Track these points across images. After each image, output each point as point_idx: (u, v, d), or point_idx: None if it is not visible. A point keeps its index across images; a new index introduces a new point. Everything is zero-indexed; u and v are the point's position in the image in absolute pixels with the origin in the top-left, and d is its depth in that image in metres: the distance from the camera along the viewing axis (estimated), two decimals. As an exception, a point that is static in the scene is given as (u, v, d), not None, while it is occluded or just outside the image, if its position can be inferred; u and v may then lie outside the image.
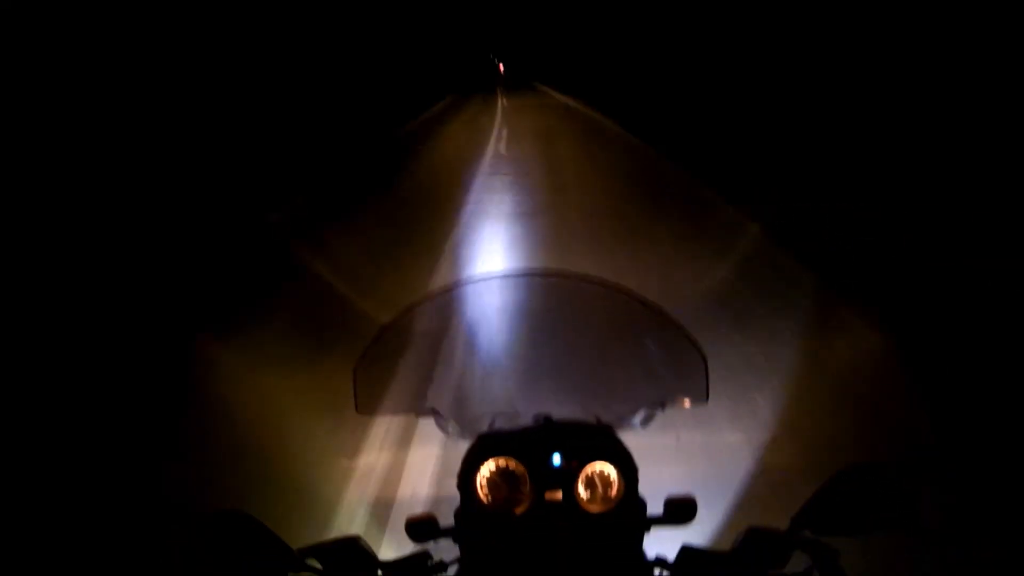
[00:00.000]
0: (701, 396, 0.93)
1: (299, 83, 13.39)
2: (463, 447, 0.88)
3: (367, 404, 0.94)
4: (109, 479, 2.30)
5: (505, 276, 1.03)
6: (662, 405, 0.93)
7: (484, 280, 1.03)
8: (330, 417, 2.56)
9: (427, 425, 1.02)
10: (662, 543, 0.81)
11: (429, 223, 5.50)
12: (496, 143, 10.57)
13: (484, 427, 0.94)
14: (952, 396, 2.46)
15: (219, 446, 2.42)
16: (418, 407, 0.96)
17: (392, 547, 0.87)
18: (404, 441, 2.29)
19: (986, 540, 1.71)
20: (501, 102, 22.17)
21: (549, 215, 5.33)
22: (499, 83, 42.82)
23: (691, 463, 2.09)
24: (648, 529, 0.81)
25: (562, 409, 0.94)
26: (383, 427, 2.43)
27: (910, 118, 6.78)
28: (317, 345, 3.27)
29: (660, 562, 0.78)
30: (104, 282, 4.48)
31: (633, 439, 0.88)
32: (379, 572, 0.74)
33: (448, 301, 1.01)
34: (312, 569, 0.69)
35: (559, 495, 0.81)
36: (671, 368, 0.97)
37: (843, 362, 2.76)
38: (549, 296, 1.05)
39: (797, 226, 4.63)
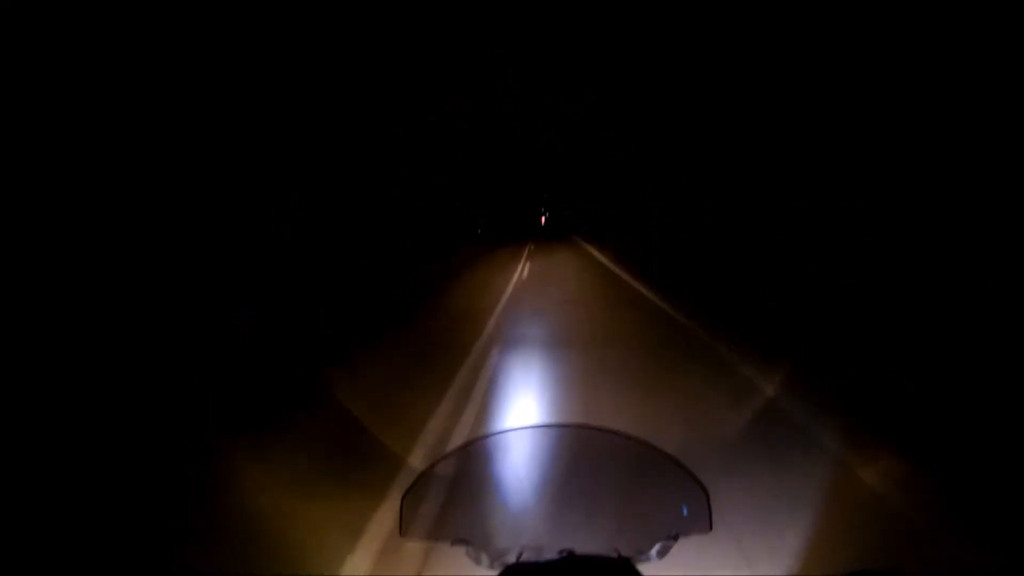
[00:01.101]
0: (705, 527, 1.03)
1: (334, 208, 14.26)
2: None
3: (409, 529, 1.06)
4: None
5: (535, 427, 1.18)
6: (674, 537, 1.03)
7: (517, 430, 1.18)
8: (351, 544, 2.59)
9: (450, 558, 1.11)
10: None
11: (452, 361, 5.68)
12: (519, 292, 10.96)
13: (512, 559, 1.04)
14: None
15: (240, 562, 2.43)
16: (453, 536, 1.07)
17: None
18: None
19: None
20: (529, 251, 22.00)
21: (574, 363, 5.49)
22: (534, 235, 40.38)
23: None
24: None
25: (584, 544, 1.04)
26: (405, 555, 2.43)
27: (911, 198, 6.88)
28: (340, 472, 3.33)
29: None
30: (133, 385, 4.68)
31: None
32: None
33: (485, 447, 1.16)
34: None
35: None
36: (679, 504, 1.08)
37: (872, 489, 2.76)
38: (572, 445, 1.20)
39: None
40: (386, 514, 2.80)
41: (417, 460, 3.42)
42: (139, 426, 3.86)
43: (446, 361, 5.54)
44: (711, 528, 1.02)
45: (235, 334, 6.67)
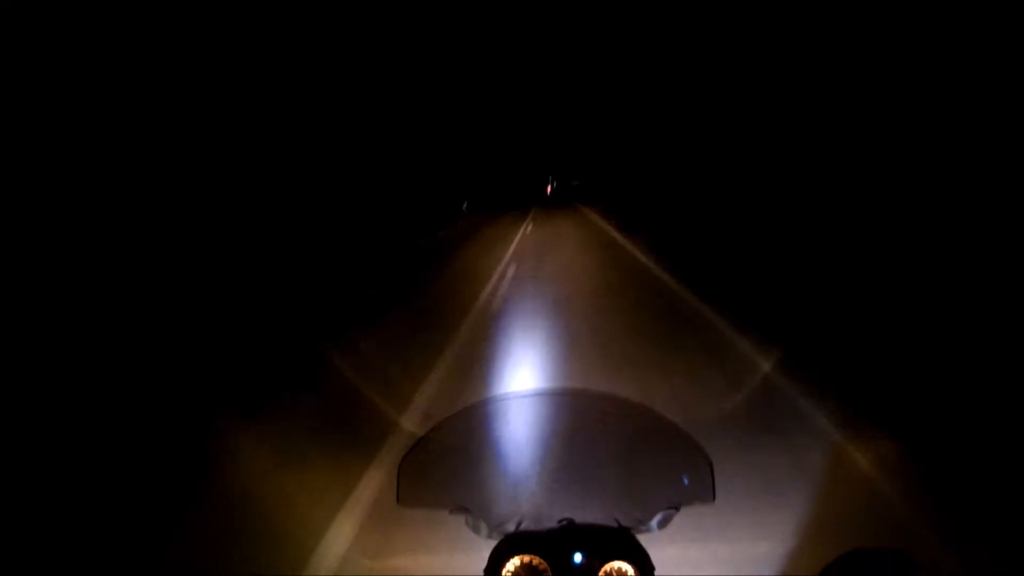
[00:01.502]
0: (708, 497, 1.02)
1: (338, 184, 14.19)
2: (485, 551, 0.97)
3: (408, 497, 1.04)
4: (123, 564, 2.33)
5: (535, 393, 1.16)
6: (676, 508, 1.02)
7: (516, 396, 1.16)
8: (352, 515, 2.63)
9: (448, 530, 1.10)
10: None
11: (450, 331, 5.70)
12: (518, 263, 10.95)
13: (511, 528, 1.03)
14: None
15: (237, 537, 2.45)
16: (452, 505, 1.06)
17: None
18: (424, 544, 2.29)
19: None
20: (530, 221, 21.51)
21: (573, 332, 5.51)
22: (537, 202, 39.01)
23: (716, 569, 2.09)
24: None
25: (584, 513, 1.03)
26: (404, 527, 2.45)
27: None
28: (337, 443, 3.36)
29: None
30: (133, 366, 4.70)
31: (656, 550, 0.97)
32: None
33: (484, 413, 1.14)
34: None
35: None
36: (682, 474, 1.07)
37: (862, 471, 2.78)
38: (573, 411, 1.18)
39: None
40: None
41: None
42: (132, 414, 3.85)
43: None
44: (714, 499, 1.01)
45: (229, 318, 6.65)
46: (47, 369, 4.51)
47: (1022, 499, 2.39)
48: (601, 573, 0.90)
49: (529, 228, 18.11)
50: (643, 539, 0.98)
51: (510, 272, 9.24)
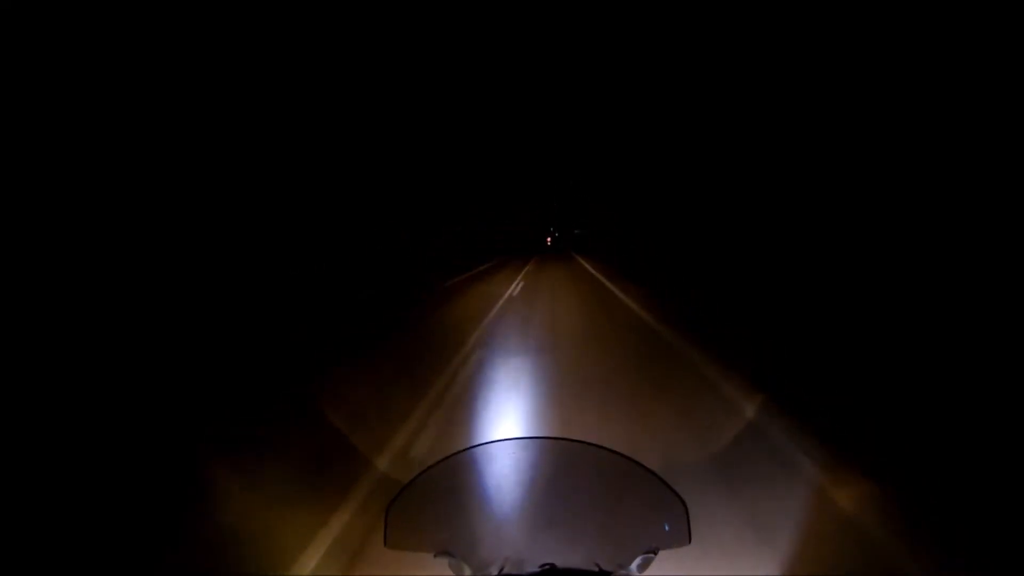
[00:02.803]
0: (684, 539, 1.05)
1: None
2: None
3: (394, 540, 1.06)
4: None
5: (518, 440, 1.19)
6: (655, 551, 1.04)
7: (500, 442, 1.19)
8: (338, 557, 2.60)
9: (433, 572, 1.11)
10: None
11: (434, 376, 5.70)
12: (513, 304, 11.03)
13: (494, 572, 1.05)
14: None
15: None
16: (437, 548, 1.07)
17: None
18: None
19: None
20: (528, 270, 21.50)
21: (557, 377, 5.54)
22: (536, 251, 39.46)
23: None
24: None
25: (566, 557, 1.06)
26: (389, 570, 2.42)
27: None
28: (320, 486, 3.32)
29: None
30: (123, 378, 4.62)
31: None
32: None
33: (469, 459, 1.16)
34: None
35: None
36: (659, 517, 1.10)
37: (845, 512, 2.81)
38: (554, 458, 1.22)
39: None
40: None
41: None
42: (125, 430, 3.80)
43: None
44: (690, 541, 1.04)
45: (226, 339, 6.59)
46: (40, 383, 4.43)
47: (1005, 535, 2.43)
48: None
49: (522, 283, 18.21)
50: None
51: (498, 317, 9.27)
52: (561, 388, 5.02)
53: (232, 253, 9.63)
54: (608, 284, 13.97)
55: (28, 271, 5.71)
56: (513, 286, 14.37)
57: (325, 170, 13.61)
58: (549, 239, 57.32)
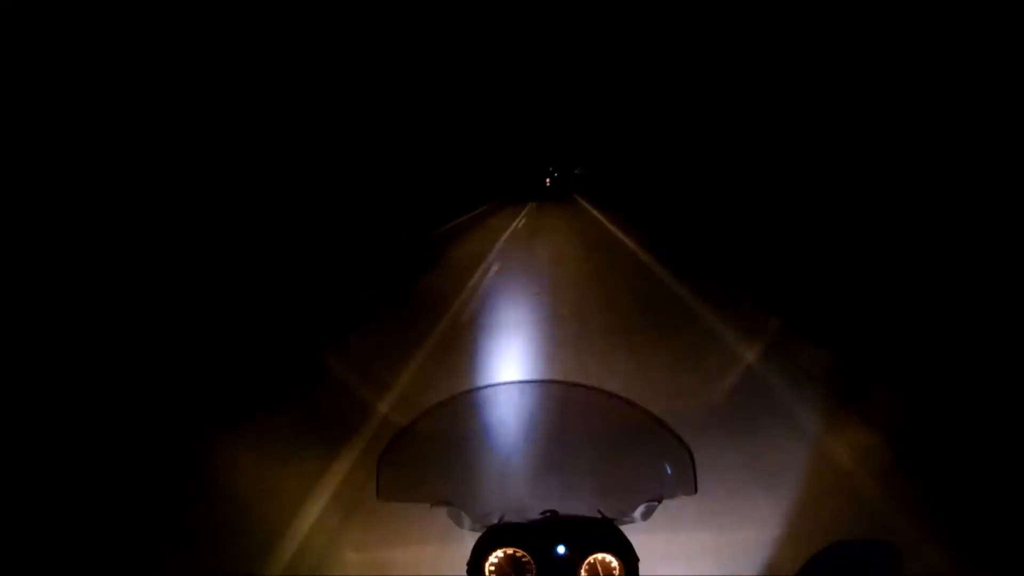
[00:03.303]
0: (690, 489, 1.01)
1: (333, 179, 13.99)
2: (469, 543, 0.96)
3: (387, 491, 1.03)
4: (119, 560, 2.31)
5: (517, 383, 1.14)
6: (659, 499, 1.01)
7: (498, 386, 1.14)
8: (339, 508, 2.62)
9: (432, 522, 1.09)
10: None
11: (434, 320, 5.69)
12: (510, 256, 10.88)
13: (495, 520, 1.02)
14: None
15: (229, 531, 2.43)
16: (433, 498, 1.04)
17: None
18: (410, 535, 2.28)
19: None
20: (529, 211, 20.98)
21: (562, 323, 5.53)
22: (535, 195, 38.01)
23: (697, 560, 2.10)
24: None
25: (567, 505, 1.02)
26: (390, 519, 2.44)
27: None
28: (327, 438, 3.33)
29: None
30: (125, 368, 4.62)
31: (638, 537, 0.96)
32: None
33: (465, 404, 1.11)
34: None
35: None
36: (664, 465, 1.06)
37: (843, 463, 2.81)
38: (555, 403, 1.16)
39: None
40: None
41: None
42: (127, 418, 3.78)
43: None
44: (696, 490, 1.01)
45: (229, 320, 6.55)
46: (42, 373, 4.41)
47: (1003, 491, 2.43)
48: (585, 565, 0.89)
49: (522, 221, 18.03)
50: (626, 529, 0.98)
51: (497, 263, 9.19)
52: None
53: (230, 236, 9.56)
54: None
55: (30, 262, 5.65)
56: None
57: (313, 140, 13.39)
58: (548, 180, 54.66)
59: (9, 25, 6.16)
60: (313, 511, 2.62)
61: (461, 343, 5.06)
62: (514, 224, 17.39)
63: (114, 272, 6.68)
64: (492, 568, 0.91)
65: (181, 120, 8.75)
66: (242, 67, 10.13)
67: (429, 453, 1.09)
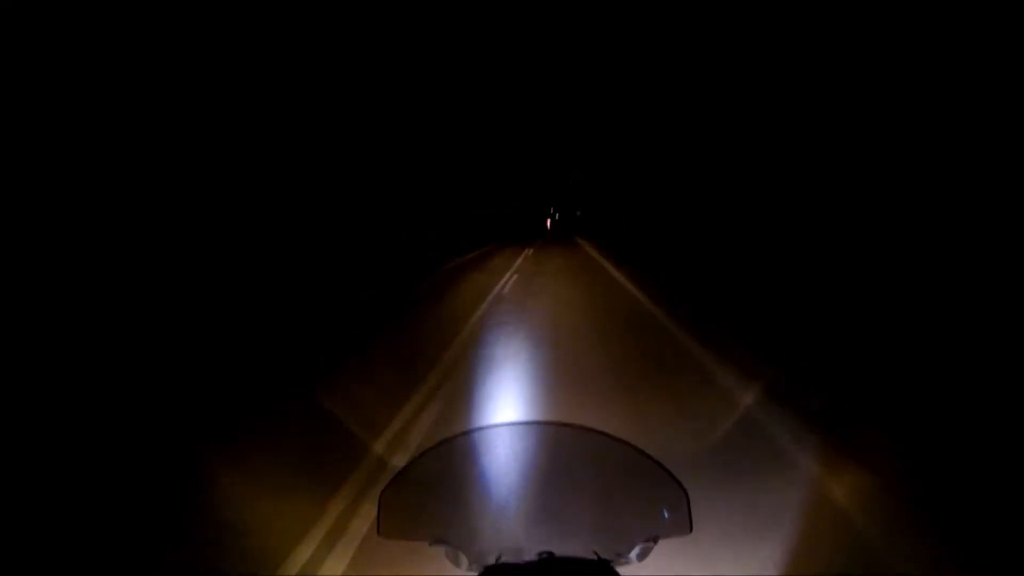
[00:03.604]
0: (685, 529, 1.02)
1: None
2: None
3: (388, 529, 1.04)
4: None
5: (516, 424, 1.17)
6: (655, 540, 1.02)
7: (497, 428, 1.16)
8: (333, 546, 2.59)
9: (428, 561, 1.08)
10: None
11: (433, 359, 5.68)
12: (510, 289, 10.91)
13: (491, 561, 1.03)
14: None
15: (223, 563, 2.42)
16: (432, 537, 1.05)
17: None
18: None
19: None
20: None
21: (559, 360, 5.53)
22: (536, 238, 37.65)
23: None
24: None
25: (564, 546, 1.03)
26: (384, 555, 2.40)
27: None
28: (317, 473, 3.31)
29: None
30: (123, 380, 4.60)
31: None
32: None
33: (465, 444, 1.13)
34: None
35: None
36: (659, 506, 1.07)
37: (841, 506, 2.79)
38: (552, 444, 1.19)
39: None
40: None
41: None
42: (123, 427, 3.78)
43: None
44: (691, 530, 1.02)
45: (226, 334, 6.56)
46: (41, 384, 4.41)
47: (1001, 531, 2.42)
48: None
49: (528, 257, 18.03)
50: (623, 571, 0.98)
51: (497, 304, 9.21)
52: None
53: (230, 240, 9.61)
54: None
55: (29, 267, 5.68)
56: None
57: (318, 153, 13.54)
58: (549, 221, 54.30)
59: (9, 25, 6.25)
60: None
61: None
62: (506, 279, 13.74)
63: (113, 274, 6.68)
64: None
65: (182, 120, 8.82)
66: (244, 73, 10.26)
67: (429, 492, 1.10)
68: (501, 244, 29.91)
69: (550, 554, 1.02)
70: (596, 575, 0.96)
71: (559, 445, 1.17)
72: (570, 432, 1.14)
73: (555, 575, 0.95)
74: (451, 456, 1.12)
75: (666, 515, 1.05)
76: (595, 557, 1.00)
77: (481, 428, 1.13)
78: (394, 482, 1.05)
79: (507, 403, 4.43)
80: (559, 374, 5.13)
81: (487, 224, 35.66)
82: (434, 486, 1.11)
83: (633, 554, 1.02)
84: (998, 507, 2.66)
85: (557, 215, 56.89)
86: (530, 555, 1.02)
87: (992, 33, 6.12)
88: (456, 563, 1.04)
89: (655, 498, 1.07)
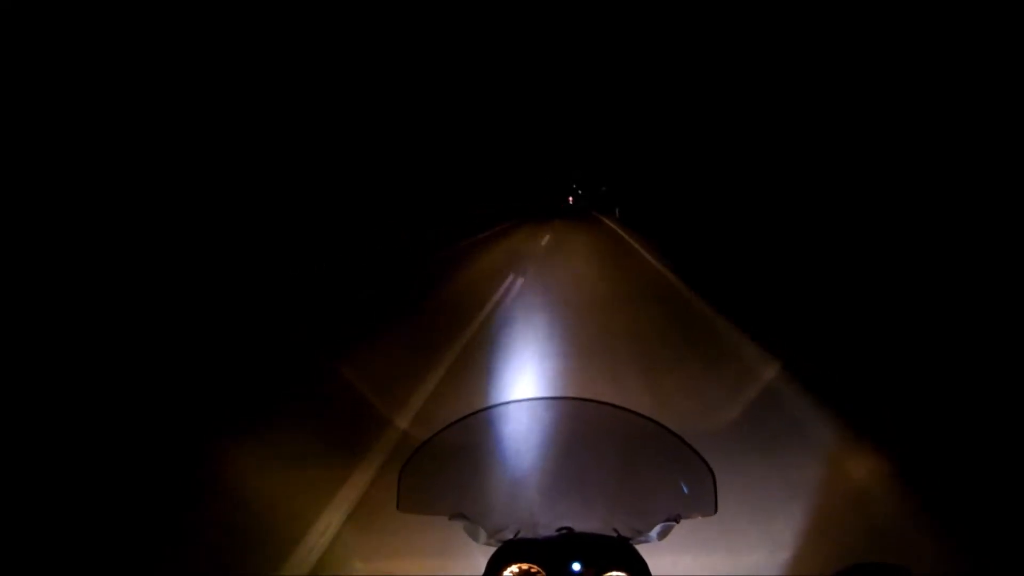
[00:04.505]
0: (710, 509, 1.01)
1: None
2: (483, 556, 0.97)
3: (407, 503, 1.04)
4: (127, 558, 2.34)
5: (537, 400, 1.15)
6: (677, 519, 1.01)
7: (518, 403, 1.15)
8: (350, 518, 2.62)
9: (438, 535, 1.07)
10: None
11: (454, 334, 5.70)
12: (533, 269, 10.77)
13: (510, 536, 1.03)
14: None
15: (234, 539, 2.45)
16: (451, 511, 1.05)
17: None
18: (420, 548, 2.29)
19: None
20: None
21: (580, 339, 5.50)
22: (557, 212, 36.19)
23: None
24: None
25: (583, 522, 1.03)
26: (399, 530, 2.44)
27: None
28: (335, 446, 3.35)
29: None
30: (134, 367, 4.69)
31: (657, 558, 0.96)
32: None
33: (485, 420, 1.12)
34: None
35: None
36: (683, 484, 1.05)
37: (862, 484, 2.77)
38: (574, 420, 1.17)
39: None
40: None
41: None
42: (132, 414, 3.83)
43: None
44: (716, 511, 1.00)
45: (226, 319, 6.62)
46: (50, 370, 4.50)
47: (1022, 512, 2.38)
48: None
49: (547, 238, 17.78)
50: (642, 549, 0.98)
51: (519, 280, 9.15)
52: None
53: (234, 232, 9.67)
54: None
55: (34, 265, 5.77)
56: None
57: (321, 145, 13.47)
58: (571, 198, 51.81)
59: (9, 25, 6.24)
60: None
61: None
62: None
63: (118, 273, 6.77)
64: None
65: (182, 121, 8.84)
66: (244, 70, 10.24)
67: (448, 467, 1.10)
68: (514, 223, 27.35)
69: (569, 530, 1.01)
70: (615, 552, 0.95)
71: (581, 421, 1.16)
72: (592, 408, 1.12)
73: (574, 551, 0.94)
74: (471, 431, 1.11)
75: (690, 495, 1.04)
76: (615, 534, 1.00)
77: (502, 403, 1.12)
78: (414, 457, 1.05)
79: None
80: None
81: (501, 202, 33.89)
82: (454, 461, 1.11)
83: (653, 533, 1.01)
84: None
85: (580, 191, 54.05)
86: (549, 531, 1.02)
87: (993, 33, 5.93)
88: (475, 537, 1.04)
89: (679, 477, 1.05)
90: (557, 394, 3.84)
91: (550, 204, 46.06)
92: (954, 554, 2.18)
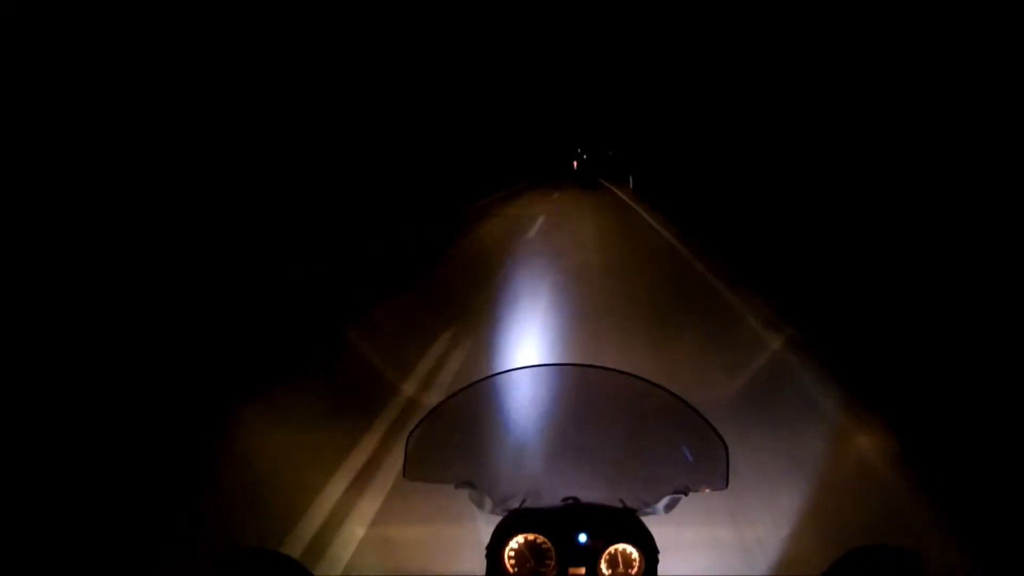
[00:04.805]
0: (721, 483, 0.99)
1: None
2: (488, 525, 0.97)
3: (414, 471, 1.03)
4: (137, 525, 2.37)
5: (545, 367, 1.13)
6: (685, 491, 0.99)
7: (525, 369, 1.12)
8: (355, 486, 2.66)
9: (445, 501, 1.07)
10: None
11: (461, 302, 5.70)
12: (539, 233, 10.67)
13: (516, 505, 1.02)
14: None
15: (240, 508, 2.47)
16: (457, 480, 1.04)
17: None
18: (420, 513, 2.32)
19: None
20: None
21: (586, 304, 5.48)
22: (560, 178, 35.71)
23: (716, 552, 2.09)
24: None
25: (589, 493, 1.01)
26: (403, 494, 2.46)
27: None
28: (341, 414, 3.37)
29: None
30: (142, 350, 4.70)
31: (660, 529, 0.95)
32: None
33: (493, 387, 1.09)
34: None
35: (582, 571, 0.89)
36: (694, 456, 1.03)
37: (868, 461, 2.76)
38: (581, 387, 1.14)
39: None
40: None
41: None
42: (139, 391, 3.81)
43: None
44: (727, 485, 0.98)
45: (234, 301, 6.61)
46: (57, 351, 4.50)
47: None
48: (605, 555, 0.89)
49: (555, 199, 17.60)
50: (648, 521, 0.97)
51: (526, 246, 9.10)
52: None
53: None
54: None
55: (37, 260, 5.76)
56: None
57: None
58: (576, 162, 50.74)
59: (9, 25, 6.15)
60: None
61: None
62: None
63: (126, 261, 6.79)
64: (512, 552, 0.91)
65: (182, 120, 8.82)
66: (242, 62, 10.14)
67: (455, 435, 1.09)
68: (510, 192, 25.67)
69: (575, 500, 1.00)
70: (620, 522, 0.94)
71: (591, 388, 1.13)
72: (603, 375, 1.09)
73: (581, 521, 0.93)
74: (479, 399, 1.09)
75: (700, 467, 1.02)
76: (621, 505, 0.99)
77: (510, 370, 1.10)
78: (421, 424, 1.04)
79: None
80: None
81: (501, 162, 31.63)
82: (461, 429, 1.09)
83: (661, 505, 1.00)
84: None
85: (585, 156, 52.62)
86: (555, 500, 1.01)
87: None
88: (481, 506, 1.03)
89: (689, 448, 1.03)
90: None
91: (556, 166, 45.44)
92: (964, 537, 2.15)
